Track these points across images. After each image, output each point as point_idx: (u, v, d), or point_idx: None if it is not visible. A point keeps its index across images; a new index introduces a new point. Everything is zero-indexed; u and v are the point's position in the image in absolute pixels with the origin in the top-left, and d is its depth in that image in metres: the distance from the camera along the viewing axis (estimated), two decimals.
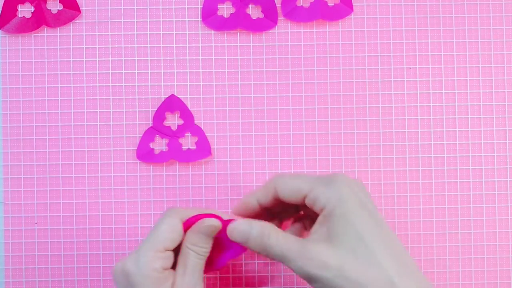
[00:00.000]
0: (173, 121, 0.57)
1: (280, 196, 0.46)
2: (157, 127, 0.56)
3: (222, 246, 0.47)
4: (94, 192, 0.56)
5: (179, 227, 0.45)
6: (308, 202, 0.45)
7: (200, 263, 0.45)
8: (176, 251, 0.46)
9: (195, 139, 0.56)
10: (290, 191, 0.46)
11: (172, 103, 0.56)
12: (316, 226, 0.44)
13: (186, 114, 0.56)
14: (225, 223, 0.46)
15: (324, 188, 0.44)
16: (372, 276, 0.41)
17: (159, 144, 0.56)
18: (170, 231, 0.45)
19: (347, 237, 0.42)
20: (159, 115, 0.56)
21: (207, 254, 0.46)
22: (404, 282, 0.41)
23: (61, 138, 0.56)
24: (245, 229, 0.44)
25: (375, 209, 0.45)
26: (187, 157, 0.56)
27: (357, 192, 0.44)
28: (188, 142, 0.56)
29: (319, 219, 0.44)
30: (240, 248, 0.47)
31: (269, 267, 0.56)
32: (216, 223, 0.45)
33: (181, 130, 0.56)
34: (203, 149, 0.56)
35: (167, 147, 0.56)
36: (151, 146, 0.56)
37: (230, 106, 0.57)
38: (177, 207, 0.49)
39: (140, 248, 0.44)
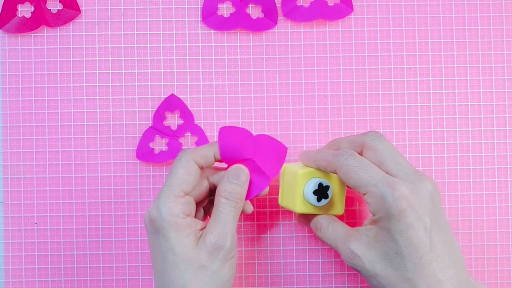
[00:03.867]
0: (173, 121, 0.57)
1: (340, 178, 0.47)
2: (157, 127, 0.56)
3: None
4: (94, 192, 0.56)
5: (195, 169, 0.47)
6: (365, 199, 0.45)
7: (233, 210, 0.47)
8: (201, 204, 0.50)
9: (195, 139, 0.56)
10: (350, 183, 0.46)
11: (172, 103, 0.56)
12: (366, 224, 0.46)
13: (186, 114, 0.56)
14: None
15: (380, 195, 0.44)
16: (400, 284, 0.44)
17: (159, 144, 0.56)
18: (187, 174, 0.46)
19: (388, 246, 0.44)
20: (159, 115, 0.56)
21: (241, 202, 0.48)
22: None
23: (61, 138, 0.56)
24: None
25: (435, 221, 0.44)
26: None
27: (414, 206, 0.43)
28: (188, 142, 0.56)
29: (370, 220, 0.46)
30: (264, 181, 0.49)
31: (269, 267, 0.56)
32: (243, 173, 0.48)
33: (181, 130, 0.56)
34: None
35: (167, 147, 0.56)
36: (151, 146, 0.56)
37: (230, 106, 0.57)
38: (189, 149, 0.49)
39: (160, 195, 0.46)
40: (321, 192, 0.49)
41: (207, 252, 0.45)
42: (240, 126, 0.54)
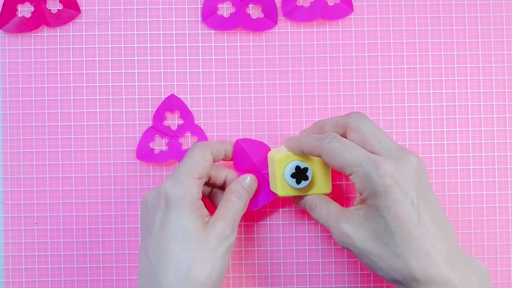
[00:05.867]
0: (173, 121, 0.57)
1: (325, 161, 0.48)
2: (157, 127, 0.56)
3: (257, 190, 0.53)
4: (94, 192, 0.56)
5: (210, 157, 0.50)
6: (351, 179, 0.46)
7: (240, 210, 0.50)
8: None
9: (195, 139, 0.56)
10: (335, 165, 0.46)
11: (172, 103, 0.56)
12: (356, 204, 0.47)
13: (186, 114, 0.56)
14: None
15: (365, 174, 0.44)
16: (391, 262, 0.44)
17: (159, 144, 0.56)
18: (203, 159, 0.49)
19: (377, 222, 0.44)
20: (159, 115, 0.56)
21: (247, 202, 0.51)
22: (423, 271, 0.43)
23: (61, 138, 0.56)
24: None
25: (421, 195, 0.45)
26: None
27: (400, 181, 0.44)
28: (188, 142, 0.56)
29: (359, 199, 0.46)
30: (270, 195, 0.53)
31: (269, 267, 0.56)
32: (254, 183, 0.52)
33: (181, 130, 0.56)
34: None
35: (167, 147, 0.56)
36: (151, 146, 0.56)
37: (230, 106, 0.57)
38: (204, 142, 0.52)
39: (176, 174, 0.48)
40: (300, 174, 0.50)
41: (217, 237, 0.47)
42: (255, 139, 0.55)
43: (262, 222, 0.57)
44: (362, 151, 0.45)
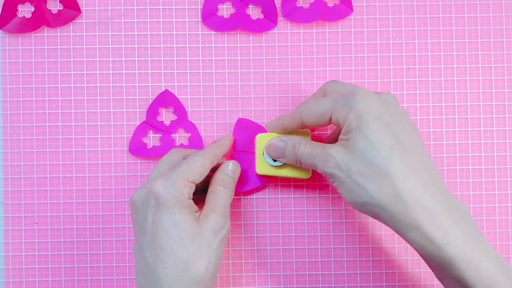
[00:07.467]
0: (166, 116, 0.57)
1: (308, 125, 0.50)
2: (150, 122, 0.56)
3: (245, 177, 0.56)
4: (94, 192, 0.56)
5: (208, 166, 0.50)
6: (334, 123, 0.47)
7: (228, 198, 0.50)
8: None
9: (188, 135, 0.56)
10: (316, 118, 0.48)
11: (165, 99, 0.56)
12: (340, 137, 0.47)
13: (180, 110, 0.56)
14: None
15: (343, 106, 0.46)
16: (376, 182, 0.44)
17: (152, 139, 0.56)
18: (201, 167, 0.49)
19: (358, 144, 0.45)
20: (152, 110, 0.56)
21: (233, 189, 0.52)
22: (409, 189, 0.43)
23: (61, 138, 0.57)
24: (280, 145, 0.52)
25: (396, 120, 0.46)
26: None
27: (374, 106, 0.45)
28: (181, 138, 0.57)
29: (342, 131, 0.47)
30: (259, 180, 0.56)
31: (268, 267, 0.56)
32: (237, 168, 0.52)
33: (174, 126, 0.56)
34: (196, 145, 0.56)
35: (160, 142, 0.56)
36: (143, 141, 0.56)
37: (230, 106, 0.57)
38: (204, 150, 0.52)
39: (170, 175, 0.48)
40: None
41: (210, 230, 0.47)
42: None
43: (262, 222, 0.57)
44: (336, 95, 0.48)
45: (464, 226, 0.44)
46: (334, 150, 0.46)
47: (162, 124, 0.56)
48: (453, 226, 0.43)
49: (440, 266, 0.44)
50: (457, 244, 0.43)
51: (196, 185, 0.49)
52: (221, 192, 0.50)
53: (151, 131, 0.56)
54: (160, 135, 0.56)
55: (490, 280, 0.42)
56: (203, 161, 0.50)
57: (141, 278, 0.47)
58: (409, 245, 0.56)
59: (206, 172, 0.50)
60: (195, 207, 0.49)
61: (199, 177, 0.49)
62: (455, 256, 0.42)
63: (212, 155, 0.51)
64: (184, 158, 0.51)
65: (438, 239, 0.43)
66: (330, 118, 0.47)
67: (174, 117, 0.57)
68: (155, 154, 0.56)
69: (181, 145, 0.56)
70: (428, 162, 0.46)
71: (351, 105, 0.46)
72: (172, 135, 0.56)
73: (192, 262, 0.46)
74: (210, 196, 0.50)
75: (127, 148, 0.57)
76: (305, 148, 0.50)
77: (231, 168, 0.52)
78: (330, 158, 0.46)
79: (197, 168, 0.49)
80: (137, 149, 0.56)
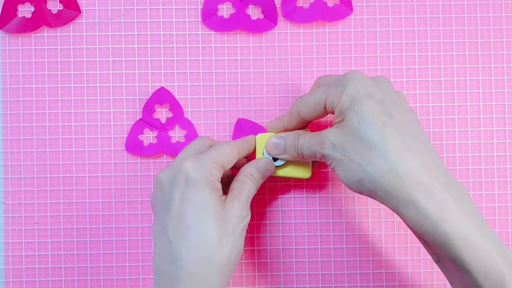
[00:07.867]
0: (162, 114, 0.57)
1: (305, 117, 0.50)
2: (146, 119, 0.56)
3: None
4: (94, 192, 0.56)
5: (236, 155, 0.50)
6: (329, 109, 0.47)
7: (253, 190, 0.50)
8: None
9: (184, 132, 0.56)
10: (312, 108, 0.48)
11: (161, 96, 0.56)
12: (334, 120, 0.47)
13: (175, 107, 0.56)
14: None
15: (336, 89, 0.46)
16: (369, 157, 0.44)
17: (148, 137, 0.56)
18: (230, 154, 0.49)
19: (351, 122, 0.45)
20: (148, 108, 0.56)
21: (259, 185, 0.51)
22: (404, 163, 0.43)
23: (61, 138, 0.57)
24: (280, 141, 0.51)
25: (390, 99, 0.46)
26: (177, 150, 0.56)
27: (367, 85, 0.46)
28: (177, 135, 0.57)
29: (336, 113, 0.47)
30: None
31: (268, 267, 0.56)
32: (271, 167, 0.52)
33: (170, 123, 0.56)
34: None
35: (156, 140, 0.56)
36: (140, 138, 0.56)
37: (230, 106, 0.57)
38: (232, 141, 0.52)
39: (200, 157, 0.47)
40: None
41: (236, 216, 0.47)
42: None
43: (261, 222, 0.57)
44: (329, 82, 0.48)
45: (462, 203, 0.43)
46: (328, 132, 0.46)
47: (158, 122, 0.56)
48: (451, 202, 0.42)
49: (435, 245, 0.43)
50: (453, 221, 0.42)
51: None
52: (247, 184, 0.49)
53: (147, 128, 0.56)
54: (156, 133, 0.56)
55: (487, 260, 0.41)
56: (231, 149, 0.49)
57: (161, 262, 0.46)
58: (409, 245, 0.56)
59: (234, 160, 0.49)
60: (222, 192, 0.48)
61: (228, 163, 0.49)
62: (450, 233, 0.41)
63: (239, 147, 0.51)
64: (210, 146, 0.51)
65: (433, 215, 0.42)
66: (325, 106, 0.47)
67: (170, 114, 0.57)
68: (151, 151, 0.56)
69: (178, 143, 0.56)
70: (424, 140, 0.45)
71: (344, 86, 0.46)
72: (168, 132, 0.57)
73: (218, 245, 0.45)
74: (236, 185, 0.49)
75: None
76: (304, 139, 0.49)
77: (262, 165, 0.51)
78: (325, 140, 0.46)
79: (227, 154, 0.48)
80: (134, 146, 0.56)
